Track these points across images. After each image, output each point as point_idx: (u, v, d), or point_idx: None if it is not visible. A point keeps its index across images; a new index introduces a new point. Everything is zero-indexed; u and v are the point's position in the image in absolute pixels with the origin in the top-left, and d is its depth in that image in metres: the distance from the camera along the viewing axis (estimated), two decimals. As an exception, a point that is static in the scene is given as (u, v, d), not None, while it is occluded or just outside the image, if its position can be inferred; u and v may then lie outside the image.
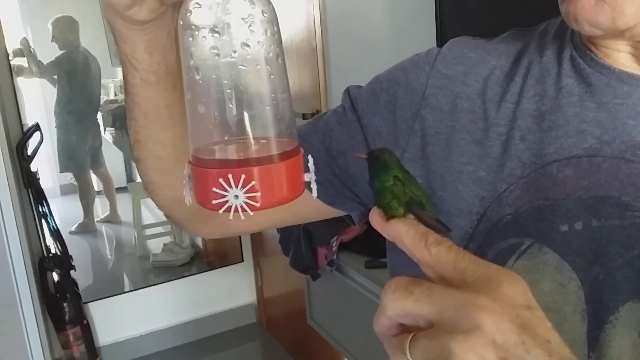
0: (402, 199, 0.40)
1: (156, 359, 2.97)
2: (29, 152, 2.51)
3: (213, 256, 3.28)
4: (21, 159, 2.46)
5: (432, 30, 1.81)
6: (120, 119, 2.93)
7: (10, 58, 2.58)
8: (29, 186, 2.51)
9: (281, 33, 0.38)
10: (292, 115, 0.39)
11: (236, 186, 0.35)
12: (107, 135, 2.99)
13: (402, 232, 0.38)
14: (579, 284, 0.52)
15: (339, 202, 0.68)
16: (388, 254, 0.67)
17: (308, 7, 2.39)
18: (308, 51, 2.44)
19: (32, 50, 2.70)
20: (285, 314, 2.88)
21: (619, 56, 0.53)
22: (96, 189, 3.07)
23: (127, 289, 3.02)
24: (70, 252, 2.67)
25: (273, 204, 0.37)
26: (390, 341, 0.36)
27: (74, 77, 2.85)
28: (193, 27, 0.37)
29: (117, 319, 2.93)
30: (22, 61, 2.67)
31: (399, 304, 0.35)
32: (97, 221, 3.09)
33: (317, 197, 0.43)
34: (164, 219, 1.08)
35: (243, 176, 0.35)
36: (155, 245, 3.15)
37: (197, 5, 0.37)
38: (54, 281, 2.60)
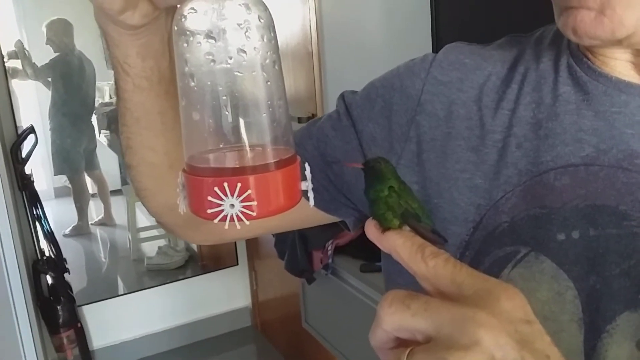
0: (398, 210, 0.39)
1: (150, 362, 2.96)
2: (24, 155, 2.50)
3: (208, 259, 3.27)
4: (15, 161, 2.45)
5: (428, 35, 1.81)
6: (115, 121, 2.91)
7: (5, 60, 2.57)
8: (23, 188, 2.50)
9: (277, 39, 0.38)
10: (289, 122, 0.39)
11: (232, 195, 0.35)
12: (101, 137, 2.98)
13: (398, 244, 0.38)
14: (576, 293, 0.52)
15: (333, 208, 0.68)
16: (383, 260, 0.67)
17: (304, 11, 2.39)
18: (304, 55, 2.44)
19: (26, 52, 2.69)
20: (280, 318, 2.88)
21: (617, 64, 0.53)
22: (90, 191, 3.06)
23: (121, 292, 3.01)
24: (65, 255, 2.65)
25: (269, 213, 0.36)
26: (387, 355, 0.36)
27: (68, 79, 2.84)
28: (188, 32, 0.36)
29: (111, 322, 2.92)
30: (16, 63, 2.66)
31: (395, 317, 0.35)
32: (91, 224, 3.08)
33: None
34: (158, 222, 1.07)
35: (239, 185, 0.35)
36: (150, 248, 3.14)
37: (192, 11, 0.36)
38: (47, 284, 2.59)
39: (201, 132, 0.37)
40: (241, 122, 0.36)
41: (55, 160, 2.91)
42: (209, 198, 0.35)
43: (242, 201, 0.35)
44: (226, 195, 0.35)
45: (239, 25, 0.35)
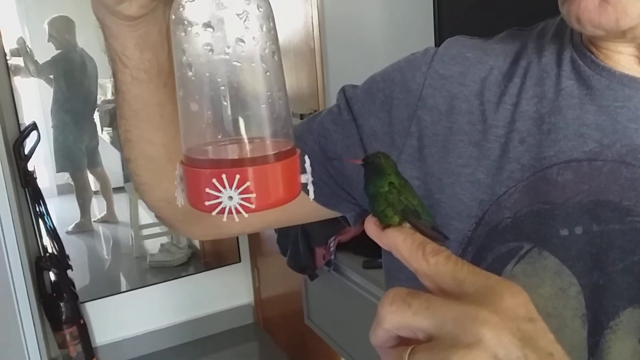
0: (398, 206, 0.39)
1: (153, 359, 2.96)
2: (26, 152, 2.51)
3: (210, 256, 3.27)
4: (18, 158, 2.45)
5: (430, 31, 1.80)
6: (116, 118, 2.91)
7: (7, 58, 2.57)
8: (25, 185, 2.50)
9: (279, 34, 0.37)
10: (289, 114, 0.38)
11: (230, 187, 0.34)
12: (104, 135, 2.98)
13: (398, 241, 0.38)
14: (579, 289, 0.51)
15: (334, 203, 0.67)
16: (383, 256, 0.66)
17: (306, 8, 2.38)
18: (306, 52, 2.43)
19: (28, 49, 2.69)
20: (282, 315, 2.88)
21: (620, 58, 0.53)
22: (93, 188, 3.06)
23: (124, 289, 3.02)
24: (67, 251, 2.66)
25: (268, 206, 0.36)
26: (388, 354, 0.35)
27: (70, 76, 2.84)
28: (186, 22, 0.35)
29: (113, 318, 2.92)
30: (19, 61, 2.66)
31: (396, 316, 0.34)
32: (94, 221, 3.08)
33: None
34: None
35: (237, 176, 0.34)
36: (153, 245, 3.14)
37: (190, 0, 0.36)
38: (50, 281, 2.59)
39: (199, 123, 0.36)
40: (240, 113, 0.36)
41: (58, 158, 2.91)
42: (207, 190, 0.34)
43: (240, 193, 0.34)
44: (224, 187, 0.34)
45: (237, 14, 0.35)
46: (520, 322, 0.33)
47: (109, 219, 3.11)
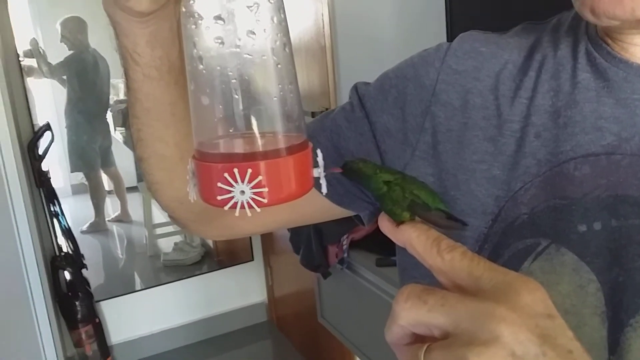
0: (403, 203, 0.38)
1: (167, 357, 2.98)
2: (40, 152, 2.53)
3: (224, 255, 3.28)
4: (32, 158, 2.47)
5: (442, 28, 1.79)
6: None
7: (20, 59, 2.60)
8: (40, 186, 2.52)
9: (290, 32, 0.37)
10: (300, 107, 0.38)
11: (242, 181, 0.34)
12: (117, 134, 2.99)
13: (412, 238, 0.37)
14: (599, 285, 0.50)
15: (347, 201, 0.67)
16: (398, 253, 0.65)
17: (317, 6, 2.38)
18: (317, 50, 2.43)
19: (41, 50, 2.71)
20: (295, 313, 2.88)
21: (637, 50, 0.52)
22: (107, 188, 3.08)
23: (138, 287, 3.03)
24: (82, 251, 2.68)
25: (281, 200, 0.35)
26: (403, 351, 0.35)
27: (83, 77, 2.86)
28: (196, 15, 0.35)
29: (128, 317, 2.94)
30: (32, 62, 2.68)
31: (412, 313, 0.34)
32: (108, 220, 3.10)
33: (326, 195, 0.41)
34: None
35: (249, 171, 0.34)
36: (166, 244, 3.16)
37: None
38: (65, 280, 2.62)
39: (210, 117, 0.36)
40: (251, 106, 0.35)
41: (72, 158, 2.93)
42: (219, 184, 0.34)
43: (252, 187, 0.34)
44: (236, 181, 0.34)
45: (248, 7, 0.34)
46: (539, 318, 0.32)
47: (123, 218, 3.13)
